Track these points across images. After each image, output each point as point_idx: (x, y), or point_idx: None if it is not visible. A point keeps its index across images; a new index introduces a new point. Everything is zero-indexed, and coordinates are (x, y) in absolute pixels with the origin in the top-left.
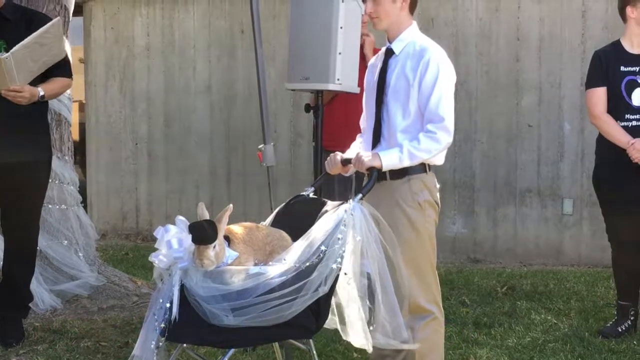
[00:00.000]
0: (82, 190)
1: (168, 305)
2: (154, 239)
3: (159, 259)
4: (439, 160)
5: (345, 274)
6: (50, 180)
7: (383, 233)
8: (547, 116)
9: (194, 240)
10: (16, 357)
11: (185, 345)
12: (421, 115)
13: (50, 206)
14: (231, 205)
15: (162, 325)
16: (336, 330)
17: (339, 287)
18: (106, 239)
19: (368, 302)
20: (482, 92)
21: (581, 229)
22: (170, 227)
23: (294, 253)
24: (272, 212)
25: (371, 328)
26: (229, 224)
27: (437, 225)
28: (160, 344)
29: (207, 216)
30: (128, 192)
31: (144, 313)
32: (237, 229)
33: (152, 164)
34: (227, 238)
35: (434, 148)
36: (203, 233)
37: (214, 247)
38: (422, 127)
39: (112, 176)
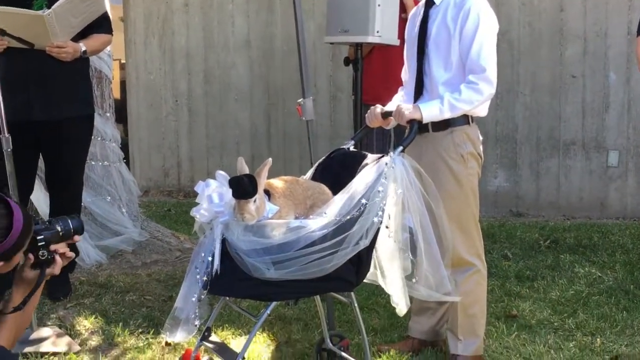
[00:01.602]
0: (124, 148)
1: (210, 258)
2: (196, 195)
3: (200, 213)
4: (482, 111)
5: (387, 227)
6: (92, 137)
7: (425, 186)
8: (592, 66)
9: (234, 194)
10: (64, 310)
11: (227, 298)
12: (463, 67)
13: (93, 163)
14: (270, 159)
15: (204, 278)
16: (378, 284)
17: (379, 241)
18: (149, 196)
19: (410, 255)
20: (524, 42)
21: (626, 181)
22: (211, 181)
23: (335, 206)
24: (312, 166)
25: (414, 280)
26: (269, 178)
27: (480, 178)
28: (203, 296)
29: (246, 171)
30: (169, 148)
31: (186, 268)
32: (278, 183)
33: (193, 121)
34: (267, 192)
35: (476, 99)
36: (243, 187)
37: (254, 201)
38: (464, 80)
39: (153, 133)
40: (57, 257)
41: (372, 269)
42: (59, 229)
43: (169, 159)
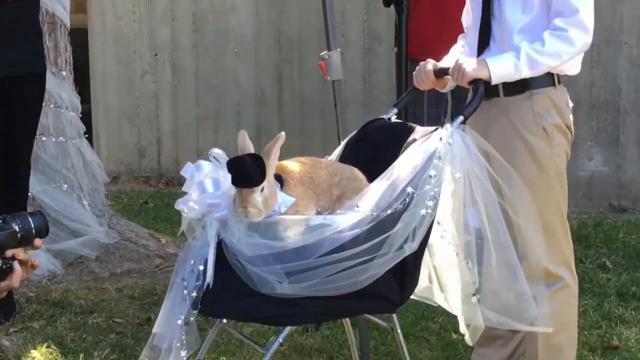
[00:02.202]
0: (86, 118)
1: (201, 268)
2: (182, 181)
3: (189, 206)
4: (572, 69)
5: (439, 223)
6: (43, 104)
7: (494, 169)
8: None
9: (234, 181)
10: (6, 337)
11: (224, 321)
12: (548, 8)
13: (44, 138)
14: (283, 133)
15: (194, 294)
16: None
17: (432, 244)
18: (119, 183)
19: (470, 265)
20: None
21: None
22: (203, 164)
23: (371, 198)
24: (339, 143)
25: (475, 299)
26: (282, 159)
27: (569, 160)
28: (192, 319)
29: (251, 149)
30: (146, 120)
31: (169, 280)
32: (293, 165)
33: (178, 82)
34: (279, 178)
35: (565, 51)
36: (247, 172)
37: (262, 190)
38: (549, 26)
39: (124, 99)
40: (16, 266)
41: (423, 280)
42: (16, 228)
43: (145, 134)
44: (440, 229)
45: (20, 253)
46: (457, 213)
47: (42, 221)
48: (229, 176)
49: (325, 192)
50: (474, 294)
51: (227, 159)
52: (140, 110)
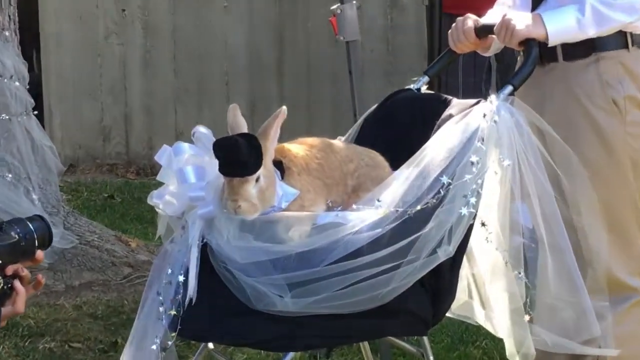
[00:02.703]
0: (35, 90)
1: (181, 278)
2: (157, 170)
3: (165, 200)
4: None
5: (484, 224)
6: None
7: (551, 153)
8: None
9: (223, 168)
10: None
11: (210, 345)
12: None
13: None
14: (284, 108)
15: (172, 312)
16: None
17: (472, 249)
18: (77, 172)
19: (524, 276)
20: None
21: None
22: (184, 146)
23: (395, 189)
24: (355, 121)
25: (528, 317)
26: (282, 141)
27: None
28: (170, 343)
29: (244, 127)
30: (111, 93)
31: (141, 294)
32: (298, 149)
33: (151, 45)
34: (279, 165)
35: None
36: (238, 156)
37: (257, 180)
38: None
39: (84, 66)
40: (18, 285)
41: (462, 294)
42: (16, 237)
43: (110, 111)
44: (485, 231)
45: (22, 269)
46: (504, 210)
47: (45, 228)
48: (216, 162)
49: (338, 182)
50: (526, 312)
51: (214, 140)
52: (103, 80)
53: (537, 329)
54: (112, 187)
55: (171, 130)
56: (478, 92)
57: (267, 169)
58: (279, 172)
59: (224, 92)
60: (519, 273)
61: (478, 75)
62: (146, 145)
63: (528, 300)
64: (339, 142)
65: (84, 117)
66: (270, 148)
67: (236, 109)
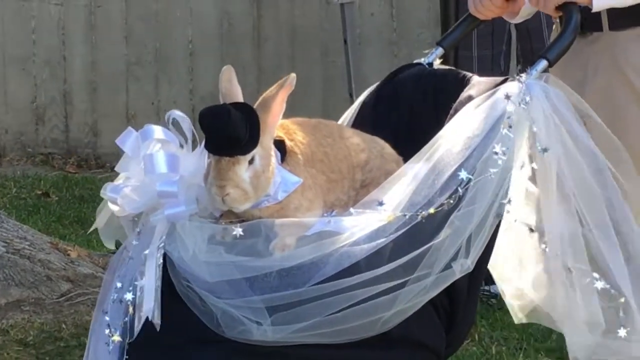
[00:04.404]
0: None
1: (129, 296)
2: (102, 162)
3: (124, 195)
4: None
5: (532, 229)
6: None
7: (597, 139)
8: None
9: (210, 144)
10: None
11: None
12: None
13: None
14: (294, 75)
15: (115, 338)
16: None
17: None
18: (3, 164)
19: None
20: None
21: None
22: (155, 128)
23: (401, 189)
24: (352, 102)
25: (622, 333)
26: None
27: None
28: None
29: (239, 96)
30: (47, 64)
31: (83, 315)
32: (301, 130)
33: (97, 6)
34: (280, 145)
35: None
36: (230, 130)
37: (251, 161)
38: None
39: (13, 33)
40: None
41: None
42: None
43: (46, 87)
44: (536, 237)
45: None
46: (545, 207)
47: None
48: (194, 155)
49: (345, 177)
50: (619, 325)
51: (201, 111)
52: (37, 50)
53: (632, 344)
54: (47, 183)
55: (121, 112)
56: (496, 67)
57: (264, 148)
58: (279, 154)
59: (187, 65)
60: (595, 278)
61: (496, 47)
62: (90, 131)
63: (622, 310)
64: (347, 127)
65: (13, 95)
66: (272, 124)
67: (231, 71)
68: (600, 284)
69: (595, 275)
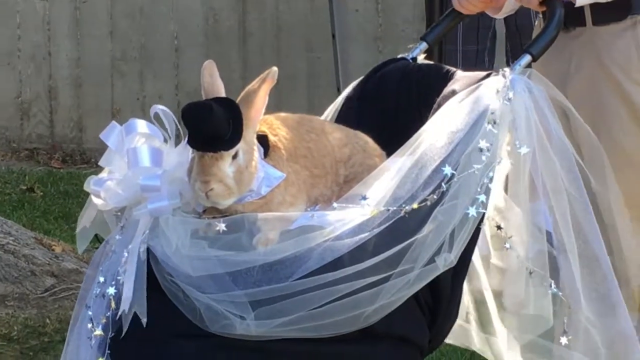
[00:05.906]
0: None
1: (112, 291)
2: (87, 157)
3: (108, 188)
4: None
5: (500, 228)
6: None
7: (579, 139)
8: None
9: (193, 140)
10: None
11: None
12: None
13: None
14: (275, 69)
15: (97, 332)
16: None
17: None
18: None
19: (554, 287)
20: None
21: None
22: (139, 122)
23: (384, 184)
24: (338, 95)
25: (564, 340)
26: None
27: None
28: None
29: (221, 91)
30: (32, 60)
31: (68, 310)
32: (284, 126)
33: (82, 1)
34: (264, 140)
35: None
36: (212, 126)
37: (235, 156)
38: None
39: None
40: None
41: (461, 319)
42: None
43: (30, 83)
44: (503, 235)
45: None
46: (521, 207)
47: None
48: (178, 150)
49: (328, 172)
50: (562, 333)
51: (185, 106)
52: (22, 44)
53: (574, 355)
54: (32, 178)
55: (106, 108)
56: (480, 63)
57: (247, 143)
58: (262, 149)
59: (173, 60)
60: (552, 286)
61: (481, 43)
62: (75, 126)
63: (565, 319)
64: (330, 122)
65: None
66: (254, 118)
67: (213, 66)
68: (553, 290)
69: (552, 282)
